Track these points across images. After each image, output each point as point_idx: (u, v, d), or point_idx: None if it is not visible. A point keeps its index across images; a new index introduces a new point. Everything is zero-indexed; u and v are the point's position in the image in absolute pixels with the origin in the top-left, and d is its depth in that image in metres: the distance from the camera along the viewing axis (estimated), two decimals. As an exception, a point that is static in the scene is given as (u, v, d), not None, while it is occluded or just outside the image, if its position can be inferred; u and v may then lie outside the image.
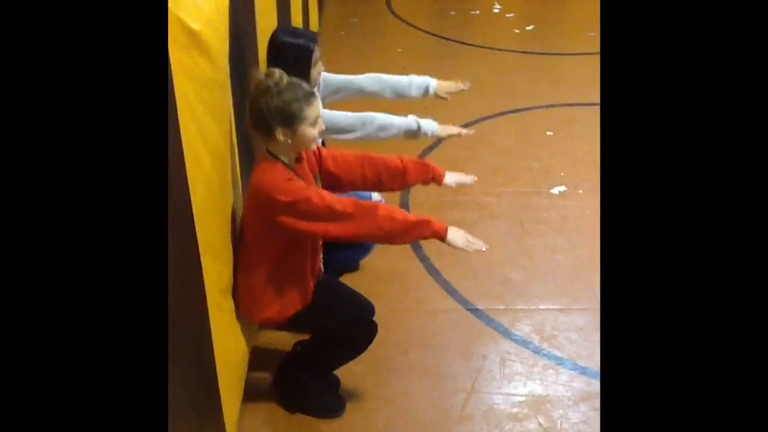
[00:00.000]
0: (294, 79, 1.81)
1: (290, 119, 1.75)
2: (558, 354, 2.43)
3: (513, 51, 5.52)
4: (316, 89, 2.33)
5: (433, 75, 2.60)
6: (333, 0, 6.61)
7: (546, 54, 5.45)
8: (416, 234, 1.83)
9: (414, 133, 2.37)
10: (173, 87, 1.37)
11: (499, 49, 5.53)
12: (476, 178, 2.15)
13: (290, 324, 2.00)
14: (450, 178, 2.09)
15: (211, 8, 1.61)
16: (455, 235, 1.83)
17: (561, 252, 3.00)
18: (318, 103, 1.83)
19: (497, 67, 5.18)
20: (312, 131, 1.80)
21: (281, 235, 1.82)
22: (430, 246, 3.01)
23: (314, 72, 2.29)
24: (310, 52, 2.27)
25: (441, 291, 2.75)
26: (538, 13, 6.57)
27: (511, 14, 6.54)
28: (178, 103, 1.39)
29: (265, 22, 2.44)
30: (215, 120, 1.67)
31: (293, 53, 2.26)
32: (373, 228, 1.77)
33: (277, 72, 1.78)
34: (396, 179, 2.04)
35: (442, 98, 2.61)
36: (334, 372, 2.22)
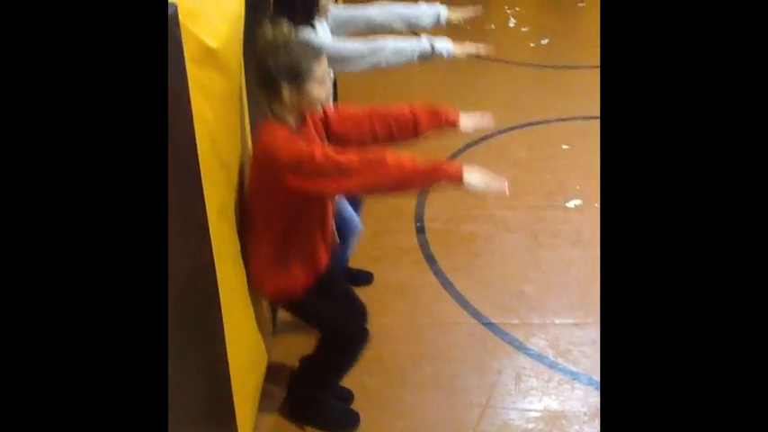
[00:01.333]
0: (303, 36, 1.77)
1: (298, 76, 1.71)
2: (574, 368, 2.41)
3: (528, 65, 5.53)
4: (324, 23, 2.25)
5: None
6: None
7: (561, 67, 5.45)
8: (430, 181, 1.75)
9: (428, 55, 2.26)
10: (190, 103, 1.39)
11: (514, 63, 5.54)
12: (493, 118, 2.06)
13: (298, 305, 1.97)
14: (467, 122, 2.00)
15: (228, 26, 1.64)
16: (472, 176, 1.69)
17: (576, 266, 2.99)
18: (326, 61, 1.78)
19: (512, 80, 5.19)
20: (319, 91, 1.76)
21: (287, 200, 1.77)
22: (444, 259, 3.02)
23: None
24: None
25: (454, 304, 2.74)
26: (553, 27, 6.58)
27: (526, 28, 6.55)
28: (195, 119, 1.42)
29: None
30: (227, 134, 1.70)
31: None
32: (383, 178, 1.69)
33: (285, 27, 1.75)
34: (407, 130, 1.96)
35: (455, 23, 2.50)
36: (346, 385, 2.22)
